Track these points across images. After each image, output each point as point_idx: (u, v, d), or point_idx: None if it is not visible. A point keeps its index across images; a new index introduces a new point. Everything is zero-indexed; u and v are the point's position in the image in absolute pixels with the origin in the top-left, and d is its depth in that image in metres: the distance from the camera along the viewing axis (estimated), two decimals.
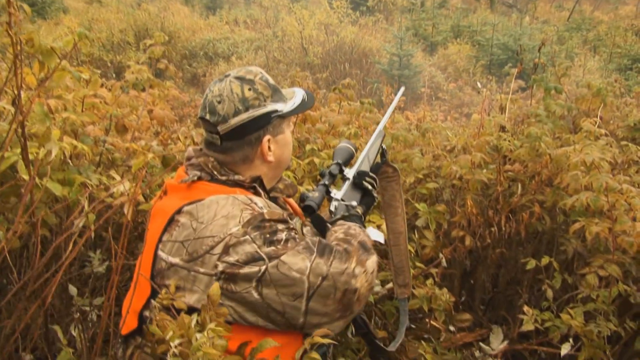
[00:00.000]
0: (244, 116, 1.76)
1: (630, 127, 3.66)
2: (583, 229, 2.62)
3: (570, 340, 2.53)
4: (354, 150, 2.18)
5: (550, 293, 2.77)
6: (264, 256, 1.58)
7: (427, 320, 2.79)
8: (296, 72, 4.35)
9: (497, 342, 2.81)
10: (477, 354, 2.78)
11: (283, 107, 1.84)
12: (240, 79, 1.79)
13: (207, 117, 1.78)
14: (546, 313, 2.62)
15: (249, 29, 16.27)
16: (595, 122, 3.30)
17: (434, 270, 2.85)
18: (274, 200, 1.94)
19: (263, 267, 1.57)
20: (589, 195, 2.57)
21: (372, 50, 12.13)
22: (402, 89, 2.60)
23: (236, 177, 1.80)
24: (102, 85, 3.04)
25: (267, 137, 1.82)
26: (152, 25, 13.63)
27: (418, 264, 2.85)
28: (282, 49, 12.55)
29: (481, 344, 2.81)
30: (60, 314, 2.61)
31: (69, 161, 2.41)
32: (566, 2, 24.32)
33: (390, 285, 2.71)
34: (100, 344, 2.00)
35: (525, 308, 2.61)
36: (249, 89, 1.78)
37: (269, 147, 1.83)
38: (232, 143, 1.80)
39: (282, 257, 1.59)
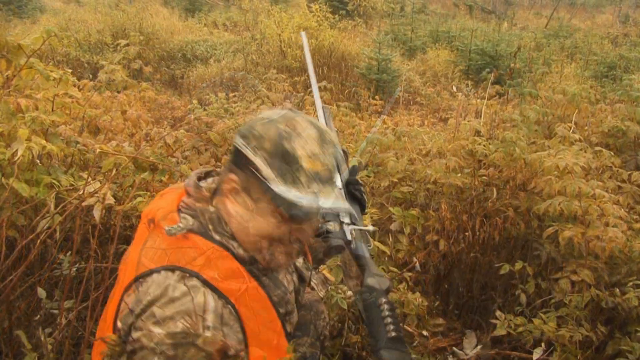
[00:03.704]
0: None
1: (604, 133, 3.69)
2: (556, 233, 2.63)
3: (543, 345, 2.53)
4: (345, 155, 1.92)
5: (523, 298, 2.77)
6: None
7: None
8: (271, 73, 4.33)
9: (471, 347, 2.81)
10: (450, 359, 2.77)
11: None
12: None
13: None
14: (519, 318, 2.61)
15: (228, 32, 16.21)
16: (570, 128, 3.32)
17: (407, 275, 2.84)
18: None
19: None
20: (563, 201, 2.58)
21: (351, 54, 12.11)
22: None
23: (232, 242, 1.54)
24: (76, 86, 3.00)
25: None
26: (130, 26, 13.51)
27: (392, 268, 2.84)
28: (261, 52, 12.51)
29: (454, 348, 2.80)
30: (27, 317, 2.56)
31: (38, 161, 2.37)
32: (544, 9, 24.56)
33: None
34: (68, 348, 1.96)
35: (498, 313, 2.61)
36: None
37: None
38: None
39: None
